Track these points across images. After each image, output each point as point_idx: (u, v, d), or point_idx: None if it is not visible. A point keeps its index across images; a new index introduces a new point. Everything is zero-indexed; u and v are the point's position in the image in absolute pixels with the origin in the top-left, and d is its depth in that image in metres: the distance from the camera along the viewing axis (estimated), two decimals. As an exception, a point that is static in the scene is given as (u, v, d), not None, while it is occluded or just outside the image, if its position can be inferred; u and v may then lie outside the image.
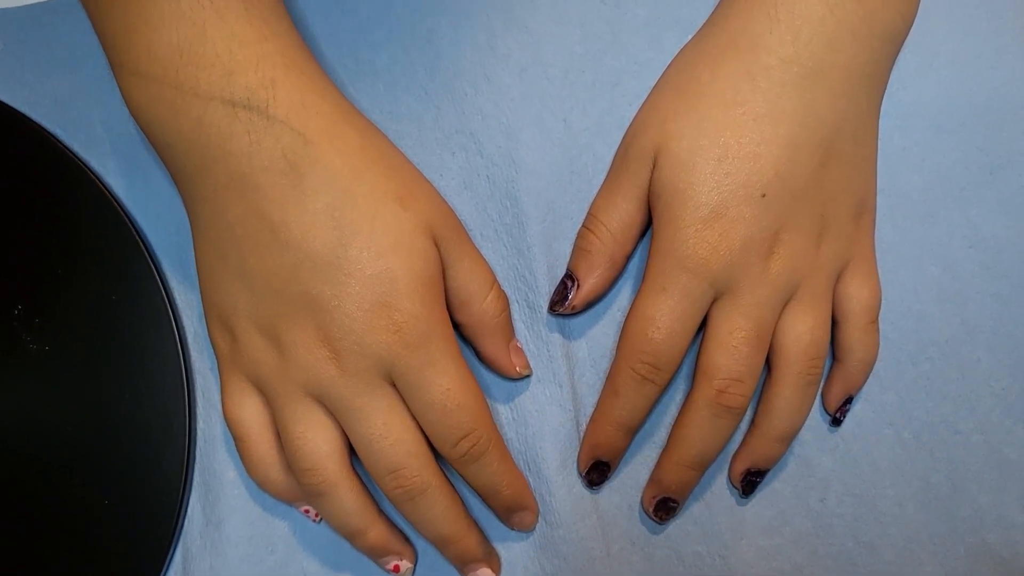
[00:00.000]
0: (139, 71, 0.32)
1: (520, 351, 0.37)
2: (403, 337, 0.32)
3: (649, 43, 0.38)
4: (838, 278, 0.35)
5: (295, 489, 0.35)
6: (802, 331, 0.34)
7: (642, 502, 0.37)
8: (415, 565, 0.36)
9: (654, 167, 0.34)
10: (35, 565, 0.36)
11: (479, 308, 0.35)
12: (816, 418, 0.37)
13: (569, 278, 0.36)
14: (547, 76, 0.38)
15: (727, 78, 0.34)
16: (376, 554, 0.36)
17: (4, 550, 0.36)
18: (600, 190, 0.37)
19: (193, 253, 0.36)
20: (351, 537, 0.35)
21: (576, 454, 0.37)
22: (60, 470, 0.36)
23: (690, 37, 0.37)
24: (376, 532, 0.35)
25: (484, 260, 0.36)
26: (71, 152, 0.38)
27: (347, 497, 0.34)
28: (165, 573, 0.37)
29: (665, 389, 0.35)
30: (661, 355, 0.33)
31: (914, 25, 0.37)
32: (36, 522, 0.36)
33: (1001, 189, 0.37)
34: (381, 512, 0.36)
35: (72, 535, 0.36)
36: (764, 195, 0.33)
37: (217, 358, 0.35)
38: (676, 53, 0.37)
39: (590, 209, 0.36)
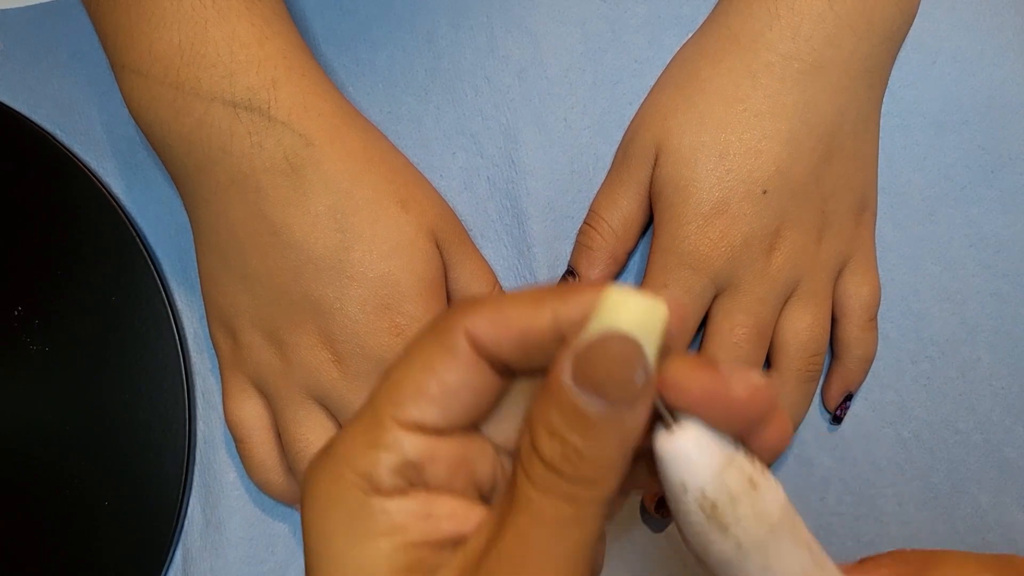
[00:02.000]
0: (140, 71, 0.32)
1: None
2: (405, 340, 0.32)
3: (649, 41, 0.38)
4: (838, 275, 0.35)
5: (296, 491, 0.35)
6: (801, 328, 0.34)
7: (643, 500, 0.37)
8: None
9: (655, 164, 0.34)
10: (35, 567, 0.36)
11: None
12: (816, 417, 0.37)
13: (570, 274, 0.36)
14: (547, 76, 0.38)
15: (728, 74, 0.34)
16: (376, 557, 0.35)
17: (4, 552, 0.36)
18: (601, 187, 0.37)
19: (193, 255, 0.36)
20: (351, 540, 0.35)
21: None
22: (60, 471, 0.36)
23: (690, 35, 0.37)
24: (376, 535, 0.35)
25: (485, 262, 0.36)
26: (71, 154, 0.38)
27: (347, 500, 0.34)
28: (165, 575, 0.37)
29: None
30: None
31: (916, 23, 0.37)
32: (36, 523, 0.36)
33: (1002, 188, 0.37)
34: (381, 515, 0.35)
35: (72, 536, 0.36)
36: (765, 191, 0.33)
37: (218, 359, 0.35)
38: (676, 51, 0.37)
39: (591, 206, 0.36)
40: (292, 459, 0.34)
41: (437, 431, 0.21)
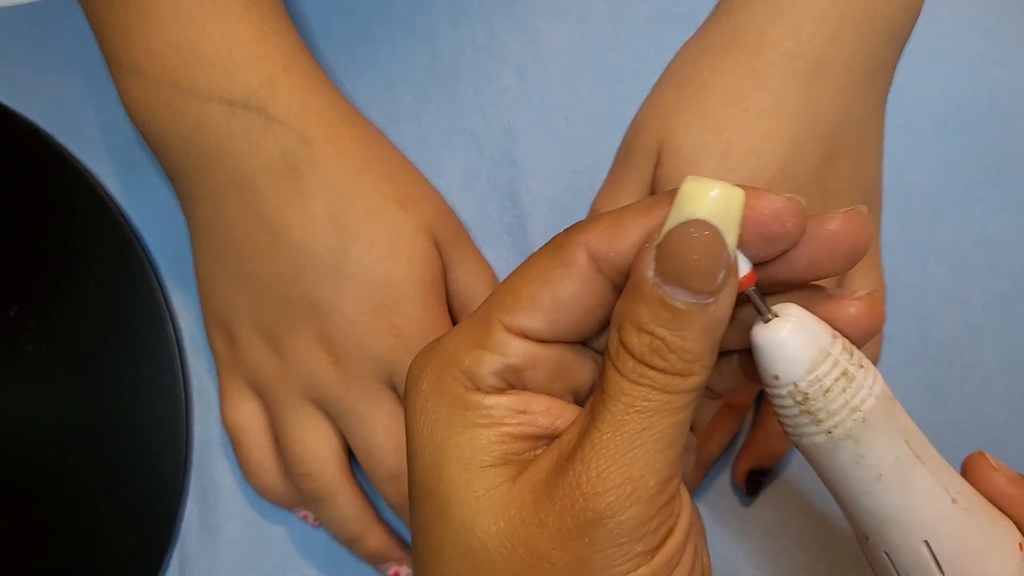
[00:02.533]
0: (137, 69, 0.31)
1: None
2: (404, 340, 0.32)
3: (651, 40, 0.37)
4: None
5: (293, 494, 0.35)
6: None
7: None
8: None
9: (657, 163, 0.34)
10: (32, 569, 0.36)
11: None
12: (819, 419, 0.37)
13: None
14: (547, 74, 0.37)
15: (730, 73, 0.33)
16: (375, 560, 0.35)
17: (2, 555, 0.36)
18: (603, 186, 0.36)
19: (190, 255, 0.36)
20: (350, 543, 0.35)
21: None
22: (56, 473, 0.36)
23: (692, 33, 0.37)
24: (375, 539, 0.35)
25: (486, 262, 0.36)
26: (68, 153, 0.38)
27: (346, 503, 0.34)
28: (162, 578, 0.37)
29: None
30: None
31: (919, 22, 0.37)
32: (33, 526, 0.36)
33: (1006, 187, 0.37)
34: (380, 518, 0.35)
35: (69, 539, 0.36)
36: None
37: (216, 362, 0.35)
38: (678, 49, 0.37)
39: (592, 205, 0.36)
40: (289, 462, 0.33)
41: (543, 340, 0.22)
